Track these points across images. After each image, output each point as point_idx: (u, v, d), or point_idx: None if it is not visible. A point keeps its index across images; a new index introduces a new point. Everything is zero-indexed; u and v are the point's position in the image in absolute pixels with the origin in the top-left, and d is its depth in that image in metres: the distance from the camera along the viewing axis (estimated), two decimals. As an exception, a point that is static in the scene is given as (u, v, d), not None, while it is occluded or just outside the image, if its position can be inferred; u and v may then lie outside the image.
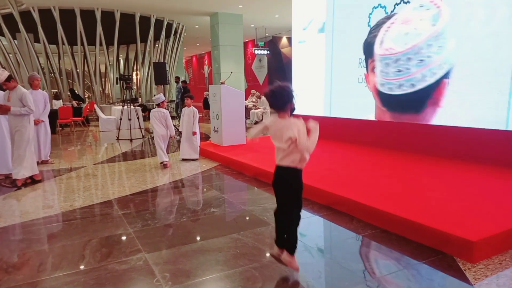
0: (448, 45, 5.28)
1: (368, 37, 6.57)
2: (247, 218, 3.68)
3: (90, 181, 5.25)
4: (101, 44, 15.16)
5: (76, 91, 15.06)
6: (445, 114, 5.43)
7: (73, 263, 2.71)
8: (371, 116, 6.72)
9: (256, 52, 19.14)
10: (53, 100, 12.96)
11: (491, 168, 4.65)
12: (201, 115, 6.81)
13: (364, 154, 5.98)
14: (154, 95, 13.00)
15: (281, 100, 2.24)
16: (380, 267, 2.57)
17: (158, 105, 6.11)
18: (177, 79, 14.36)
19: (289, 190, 2.42)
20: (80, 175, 5.63)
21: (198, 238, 3.18)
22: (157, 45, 17.13)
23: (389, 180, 4.32)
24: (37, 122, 6.11)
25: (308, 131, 2.27)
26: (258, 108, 12.75)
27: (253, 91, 14.42)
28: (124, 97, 10.10)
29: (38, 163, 6.29)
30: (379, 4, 6.33)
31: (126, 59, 19.66)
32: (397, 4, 6.02)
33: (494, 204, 3.34)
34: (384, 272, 2.49)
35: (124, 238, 3.19)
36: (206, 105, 14.10)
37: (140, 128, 10.33)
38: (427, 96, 5.59)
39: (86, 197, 4.43)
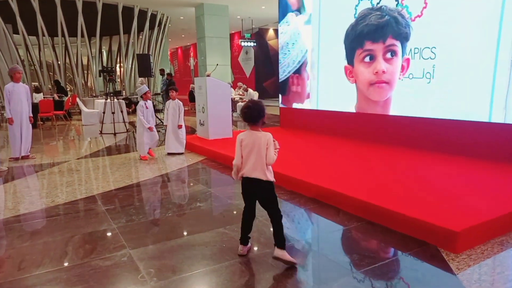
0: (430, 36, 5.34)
1: (356, 27, 6.50)
2: (234, 212, 3.66)
3: (73, 176, 5.13)
4: (82, 36, 14.77)
5: (61, 84, 14.69)
6: (430, 106, 5.49)
7: (56, 260, 2.65)
8: (351, 109, 6.80)
9: (243, 44, 19.00)
10: (34, 94, 12.61)
11: (475, 160, 4.74)
12: (186, 108, 6.74)
13: (351, 147, 6.01)
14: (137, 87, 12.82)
15: (256, 115, 2.47)
16: (366, 259, 2.58)
17: (142, 97, 6.04)
18: (162, 71, 14.15)
19: (265, 200, 2.66)
20: (63, 170, 5.50)
21: (184, 233, 3.14)
22: (140, 37, 16.80)
23: (375, 172, 4.36)
24: (31, 120, 6.23)
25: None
26: (245, 101, 12.69)
27: (239, 83, 14.33)
28: (107, 90, 9.89)
29: (18, 158, 6.14)
30: (365, -3, 6.33)
31: (109, 51, 19.24)
32: (382, -4, 6.02)
33: (476, 195, 3.40)
34: (370, 263, 2.51)
35: (108, 234, 3.13)
36: (191, 98, 13.96)
37: (124, 122, 10.15)
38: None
39: (69, 193, 4.33)
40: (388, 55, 6.00)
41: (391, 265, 2.50)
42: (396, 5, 5.79)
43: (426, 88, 5.51)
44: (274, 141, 2.52)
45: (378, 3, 6.10)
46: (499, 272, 2.39)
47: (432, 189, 3.61)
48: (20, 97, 5.94)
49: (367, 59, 6.35)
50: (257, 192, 2.62)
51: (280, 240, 2.51)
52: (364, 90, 6.54)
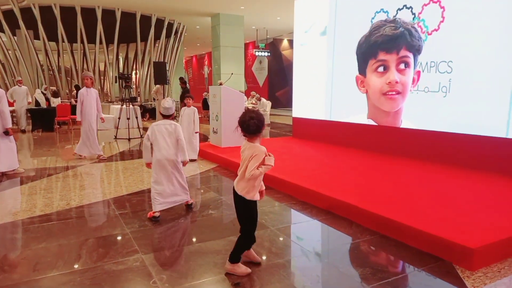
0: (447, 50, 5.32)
1: (370, 38, 6.50)
2: (245, 220, 3.65)
3: (87, 180, 5.21)
4: (101, 43, 15.12)
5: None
6: (446, 120, 5.43)
7: (70, 262, 2.68)
8: (360, 118, 6.83)
9: (257, 53, 19.15)
10: (52, 98, 12.90)
11: (493, 176, 4.65)
12: (200, 116, 6.83)
13: (365, 159, 5.97)
14: (153, 95, 12.96)
15: (261, 127, 2.42)
16: (378, 273, 2.55)
17: (166, 116, 3.73)
18: (182, 80, 14.28)
19: (238, 214, 2.65)
20: (77, 174, 5.59)
21: (195, 240, 3.15)
22: (157, 45, 17.10)
23: (390, 185, 4.31)
24: (102, 120, 6.88)
25: (263, 161, 2.43)
26: (258, 109, 12.75)
27: (253, 92, 14.41)
28: (123, 96, 10.06)
29: (83, 157, 6.75)
30: (382, 9, 6.34)
31: (126, 58, 19.62)
32: (399, 9, 6.02)
33: (494, 212, 3.33)
34: (383, 278, 2.47)
35: (121, 238, 3.16)
36: (205, 106, 14.08)
37: (138, 127, 10.29)
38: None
39: (83, 196, 4.40)
40: (401, 66, 5.98)
41: (404, 280, 2.46)
42: (413, 18, 5.79)
43: (442, 102, 5.46)
44: (269, 155, 2.46)
45: (394, 16, 6.11)
46: (517, 291, 2.33)
47: (447, 204, 3.55)
48: (91, 101, 6.57)
49: (380, 69, 6.33)
50: (235, 204, 2.60)
51: (233, 254, 2.53)
52: (375, 100, 6.51)
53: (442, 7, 5.39)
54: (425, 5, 5.63)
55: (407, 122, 6.04)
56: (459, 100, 5.25)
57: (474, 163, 5.02)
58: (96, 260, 2.72)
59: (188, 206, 3.95)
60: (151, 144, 3.64)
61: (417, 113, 5.83)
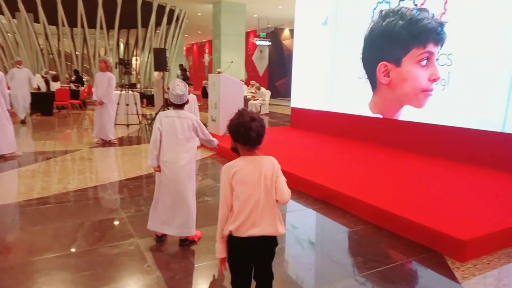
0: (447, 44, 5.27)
1: (419, 24, 5.73)
2: (241, 208, 3.68)
3: (85, 165, 5.23)
4: (101, 28, 14.98)
5: (79, 73, 14.95)
6: (443, 114, 5.42)
7: (65, 245, 2.71)
8: (361, 110, 6.69)
9: (258, 42, 19.00)
10: (51, 82, 12.84)
11: (487, 169, 4.67)
12: (199, 104, 6.83)
13: (362, 150, 5.98)
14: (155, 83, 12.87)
15: (260, 133, 1.65)
16: (369, 262, 2.58)
17: (179, 105, 2.71)
18: (181, 67, 14.21)
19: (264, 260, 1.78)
20: (75, 158, 5.61)
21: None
22: (158, 31, 16.95)
23: (386, 177, 4.34)
24: (101, 103, 6.67)
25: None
26: (257, 99, 12.71)
27: (252, 82, 14.35)
28: (123, 82, 10.03)
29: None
30: (384, 0, 6.28)
31: (126, 44, 19.47)
32: (402, 0, 5.97)
33: (486, 205, 3.36)
34: (374, 267, 2.51)
35: (117, 222, 3.19)
36: (204, 94, 14.02)
37: (137, 114, 10.27)
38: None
39: (80, 180, 4.42)
40: (439, 61, 5.50)
41: (395, 270, 2.50)
42: (415, 9, 5.72)
43: (440, 95, 5.45)
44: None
45: (396, 6, 6.04)
46: (505, 284, 2.36)
47: (441, 196, 3.57)
48: (103, 85, 6.62)
49: (424, 62, 5.63)
50: (259, 256, 1.73)
51: None
52: (407, 94, 5.91)
53: (445, -1, 5.34)
54: (428, -4, 5.56)
55: (405, 115, 6.02)
56: (457, 94, 5.24)
57: (471, 157, 5.03)
58: (92, 244, 2.75)
59: (182, 242, 2.82)
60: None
61: (431, 108, 5.63)
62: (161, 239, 2.84)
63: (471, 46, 5.04)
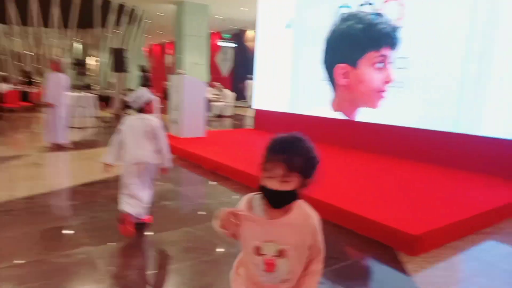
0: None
1: (376, 27, 5.95)
2: (202, 212, 3.64)
3: (35, 170, 4.94)
4: (57, 27, 14.30)
5: (31, 74, 14.17)
6: (400, 115, 5.65)
7: (13, 256, 2.54)
8: (323, 110, 6.80)
9: (221, 44, 18.93)
10: (1, 83, 12.07)
11: (440, 168, 4.90)
12: (162, 106, 6.68)
13: (323, 151, 6.08)
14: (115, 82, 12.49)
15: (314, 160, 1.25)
16: (329, 260, 2.61)
17: (140, 110, 3.02)
18: (142, 68, 13.84)
19: None
20: (25, 164, 5.28)
21: (148, 231, 3.09)
22: (117, 31, 16.44)
23: (343, 176, 4.45)
24: (51, 105, 6.25)
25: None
26: (220, 100, 12.65)
27: (215, 83, 14.27)
28: (78, 83, 9.62)
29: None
30: (345, 4, 6.45)
31: (84, 44, 18.71)
32: (361, 5, 6.15)
33: (435, 201, 3.53)
34: (332, 264, 2.55)
35: (69, 230, 3.04)
36: (166, 95, 13.75)
37: (94, 116, 9.90)
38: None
39: (30, 187, 4.16)
40: (393, 65, 5.75)
41: (351, 267, 2.56)
42: (372, 14, 5.92)
43: (397, 97, 5.67)
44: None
45: (356, 11, 6.22)
46: (451, 274, 2.49)
47: (395, 193, 3.72)
48: (53, 86, 6.25)
49: (379, 65, 5.85)
50: None
51: None
52: (363, 95, 6.11)
53: (402, 5, 5.57)
54: (386, 1, 5.79)
55: (362, 115, 6.19)
56: (412, 96, 5.48)
57: (424, 155, 5.28)
58: (40, 253, 2.60)
59: (138, 225, 3.00)
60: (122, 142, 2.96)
61: (389, 109, 5.84)
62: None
63: (426, 50, 5.29)
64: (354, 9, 6.28)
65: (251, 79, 17.31)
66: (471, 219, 3.11)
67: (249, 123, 10.46)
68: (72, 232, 3.00)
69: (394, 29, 5.66)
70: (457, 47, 4.90)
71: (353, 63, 6.25)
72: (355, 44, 6.19)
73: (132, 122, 2.98)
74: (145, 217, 3.08)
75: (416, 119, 5.42)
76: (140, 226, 3.02)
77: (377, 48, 5.86)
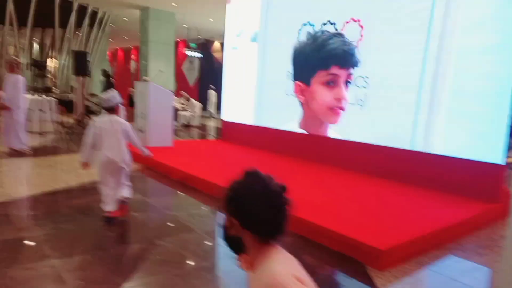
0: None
1: (323, 49, 6.38)
2: (172, 224, 3.58)
3: (-10, 177, 4.63)
4: (11, 24, 13.52)
5: None
6: (363, 132, 5.90)
7: (-34, 271, 2.37)
8: (292, 126, 6.95)
9: (188, 53, 18.82)
10: None
11: (402, 184, 5.14)
12: (125, 112, 6.48)
13: (290, 165, 6.21)
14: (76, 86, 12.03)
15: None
16: (299, 273, 2.69)
17: (109, 110, 3.39)
18: (105, 72, 13.42)
19: None
20: (-23, 170, 4.94)
21: (116, 243, 3.00)
22: (78, 33, 15.84)
23: (312, 190, 4.56)
24: (6, 108, 5.98)
25: None
26: (187, 110, 12.53)
27: (182, 92, 14.13)
28: (36, 86, 9.15)
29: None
30: (308, 22, 6.70)
31: (41, 44, 17.82)
32: (324, 24, 6.41)
33: (398, 217, 3.72)
34: (304, 278, 2.62)
35: (31, 242, 2.87)
36: (131, 102, 13.41)
37: (53, 121, 9.42)
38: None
39: (-16, 195, 3.90)
40: (347, 83, 6.06)
41: (321, 281, 2.63)
42: (329, 35, 6.20)
43: (357, 114, 5.92)
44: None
45: (320, 30, 6.48)
46: None
47: (363, 209, 3.87)
48: (9, 88, 6.01)
49: (330, 83, 6.26)
50: None
51: None
52: (318, 111, 6.49)
53: (362, 27, 5.89)
54: (347, 22, 6.09)
55: (332, 131, 6.37)
56: (372, 113, 5.76)
57: (385, 172, 5.53)
58: (2, 267, 2.44)
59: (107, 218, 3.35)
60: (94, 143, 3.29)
61: (342, 124, 6.15)
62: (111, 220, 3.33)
63: (384, 70, 5.60)
64: (317, 27, 6.53)
65: (213, 89, 17.38)
66: (434, 234, 3.29)
67: (214, 133, 10.44)
68: (34, 243, 2.85)
69: (346, 49, 6.05)
70: (412, 67, 5.24)
71: (307, 81, 6.62)
72: (308, 63, 6.59)
73: (104, 123, 3.31)
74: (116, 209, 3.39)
75: (376, 136, 5.69)
76: (110, 219, 3.34)
77: (326, 67, 6.26)
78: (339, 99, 6.12)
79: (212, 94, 15.08)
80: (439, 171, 4.90)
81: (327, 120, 6.46)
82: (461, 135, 4.73)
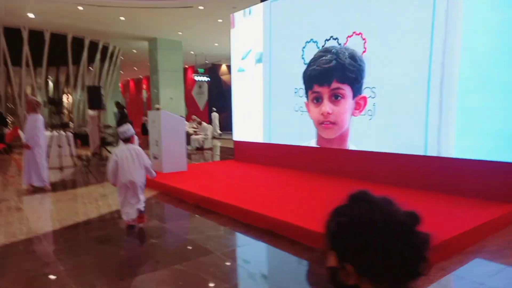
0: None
1: (307, 70, 6.86)
2: (190, 247, 3.62)
3: (14, 215, 4.78)
4: (27, 65, 14.15)
5: (2, 114, 13.75)
6: (372, 141, 5.88)
7: (-5, 308, 2.45)
8: (311, 143, 7.00)
9: (196, 78, 19.24)
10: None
11: (412, 190, 5.10)
12: (139, 142, 6.61)
13: (304, 179, 6.22)
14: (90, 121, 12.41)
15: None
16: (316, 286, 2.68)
17: (126, 140, 4.19)
18: (117, 104, 13.81)
19: None
20: (2, 209, 5.10)
21: (138, 272, 3.05)
22: (91, 68, 16.44)
23: (326, 204, 4.53)
24: (27, 147, 6.22)
25: None
26: (199, 134, 12.71)
27: (193, 116, 14.37)
28: (53, 122, 9.48)
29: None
30: (311, 39, 6.81)
31: (56, 82, 18.52)
32: (327, 40, 6.52)
33: (421, 223, 3.66)
34: (324, 293, 2.60)
35: (54, 277, 2.95)
36: (144, 130, 13.69)
37: (72, 155, 9.70)
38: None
39: (9, 233, 4.02)
40: (334, 98, 6.28)
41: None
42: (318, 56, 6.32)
43: (368, 124, 5.92)
44: None
45: (323, 46, 6.58)
46: (440, 295, 2.59)
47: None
48: (28, 128, 6.32)
49: (316, 100, 6.65)
50: None
51: None
52: (317, 127, 6.78)
53: (364, 39, 5.95)
54: (349, 36, 6.16)
55: (353, 145, 6.32)
56: (382, 123, 5.74)
57: (401, 179, 5.47)
58: (27, 303, 2.51)
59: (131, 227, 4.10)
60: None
61: (363, 136, 6.07)
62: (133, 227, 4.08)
63: (390, 80, 5.62)
64: (320, 43, 6.63)
65: (215, 111, 17.59)
66: (456, 238, 3.24)
67: (228, 154, 10.52)
68: (58, 278, 2.92)
69: (320, 69, 6.51)
70: (420, 75, 5.24)
71: (307, 99, 6.96)
72: (304, 84, 7.02)
73: (123, 152, 4.07)
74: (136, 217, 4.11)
75: (388, 144, 5.66)
76: (133, 226, 4.07)
77: (310, 87, 6.81)
78: (323, 114, 6.52)
79: (215, 116, 15.29)
80: (455, 174, 4.84)
81: (322, 135, 6.69)
82: (474, 136, 4.68)
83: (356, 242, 0.76)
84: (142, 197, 4.16)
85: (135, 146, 4.22)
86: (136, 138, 6.08)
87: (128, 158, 4.03)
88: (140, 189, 4.14)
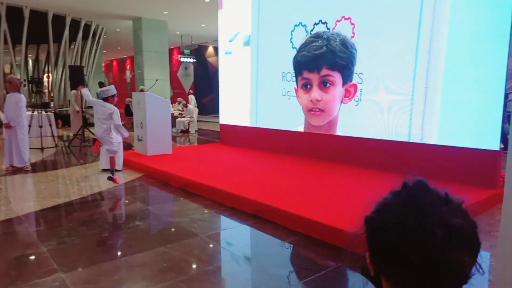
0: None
1: (297, 55, 6.81)
2: (174, 230, 3.62)
3: (-7, 196, 4.68)
4: (6, 43, 13.60)
5: None
6: (359, 127, 5.94)
7: (-26, 290, 2.41)
8: (299, 129, 7.00)
9: (182, 59, 18.90)
10: None
11: (397, 175, 5.20)
12: (123, 123, 6.45)
13: (288, 163, 6.26)
14: (73, 103, 12.14)
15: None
16: (302, 271, 2.73)
17: (105, 99, 5.12)
18: (101, 84, 13.50)
19: None
20: (-20, 189, 4.99)
21: (121, 254, 3.04)
22: (72, 47, 15.92)
23: (311, 187, 4.60)
24: (8, 126, 6.08)
25: None
26: (184, 116, 12.58)
27: (179, 99, 14.18)
28: (33, 102, 9.21)
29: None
30: (300, 23, 6.75)
31: (36, 60, 17.92)
32: (316, 23, 6.47)
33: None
34: (307, 276, 2.65)
35: (36, 257, 2.92)
36: (128, 112, 13.48)
37: (52, 136, 9.48)
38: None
39: (-12, 214, 3.94)
40: (324, 85, 6.27)
41: (325, 276, 2.67)
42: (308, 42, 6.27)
43: (354, 110, 5.97)
44: None
45: (311, 30, 6.54)
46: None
47: (363, 203, 3.90)
48: (9, 107, 6.10)
49: (305, 86, 6.60)
50: None
51: None
52: (306, 113, 6.76)
53: (353, 24, 5.93)
54: (338, 21, 6.13)
55: (341, 133, 6.33)
56: (368, 109, 5.80)
57: (384, 165, 5.56)
58: (7, 284, 2.48)
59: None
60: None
61: (350, 123, 6.12)
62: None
63: (378, 65, 5.64)
64: (309, 27, 6.57)
65: (192, 93, 17.37)
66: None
67: (214, 137, 10.47)
68: (40, 259, 2.89)
69: (309, 56, 6.45)
70: (406, 62, 5.27)
71: (296, 84, 6.93)
72: (294, 70, 6.96)
73: (97, 107, 5.05)
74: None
75: (374, 130, 5.72)
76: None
77: (300, 73, 6.75)
78: (311, 101, 6.52)
79: (192, 98, 15.10)
80: (437, 161, 4.94)
81: (311, 121, 6.69)
82: (456, 123, 4.77)
83: (390, 256, 0.64)
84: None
85: (111, 105, 5.09)
86: (117, 117, 5.95)
87: (99, 114, 5.02)
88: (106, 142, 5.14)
